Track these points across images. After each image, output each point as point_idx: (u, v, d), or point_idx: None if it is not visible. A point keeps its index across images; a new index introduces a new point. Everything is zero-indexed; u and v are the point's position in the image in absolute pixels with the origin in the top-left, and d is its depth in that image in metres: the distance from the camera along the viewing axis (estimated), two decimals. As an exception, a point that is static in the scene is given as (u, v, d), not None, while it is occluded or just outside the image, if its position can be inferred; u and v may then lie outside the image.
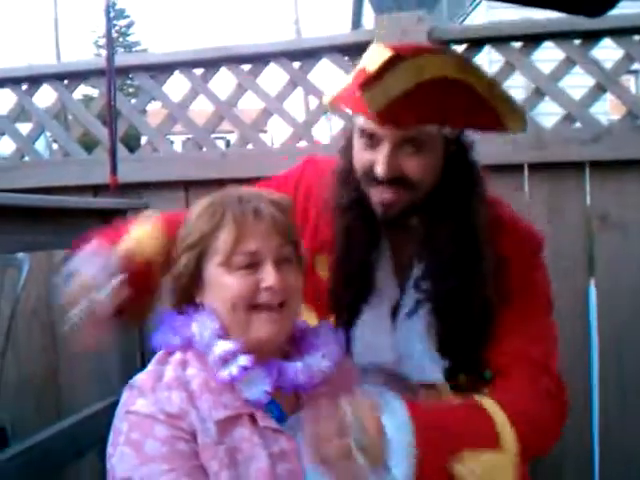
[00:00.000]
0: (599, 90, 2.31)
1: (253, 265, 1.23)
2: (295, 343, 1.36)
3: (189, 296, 1.31)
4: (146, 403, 1.19)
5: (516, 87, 2.37)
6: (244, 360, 1.20)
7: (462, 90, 1.29)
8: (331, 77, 2.57)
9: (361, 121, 1.37)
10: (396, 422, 1.13)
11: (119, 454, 1.18)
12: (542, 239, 1.50)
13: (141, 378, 1.25)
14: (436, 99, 1.28)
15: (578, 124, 2.32)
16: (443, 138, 1.37)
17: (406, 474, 1.11)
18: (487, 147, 2.25)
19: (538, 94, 2.35)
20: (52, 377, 2.80)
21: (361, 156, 1.39)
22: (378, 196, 1.37)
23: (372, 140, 1.35)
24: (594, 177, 2.28)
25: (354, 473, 1.06)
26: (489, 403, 1.27)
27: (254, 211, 1.24)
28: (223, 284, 1.24)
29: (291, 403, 1.29)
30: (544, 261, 1.49)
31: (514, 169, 2.32)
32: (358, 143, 1.39)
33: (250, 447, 1.18)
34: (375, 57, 1.31)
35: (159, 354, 1.30)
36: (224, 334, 1.25)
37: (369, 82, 1.28)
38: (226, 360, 1.21)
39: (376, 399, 1.16)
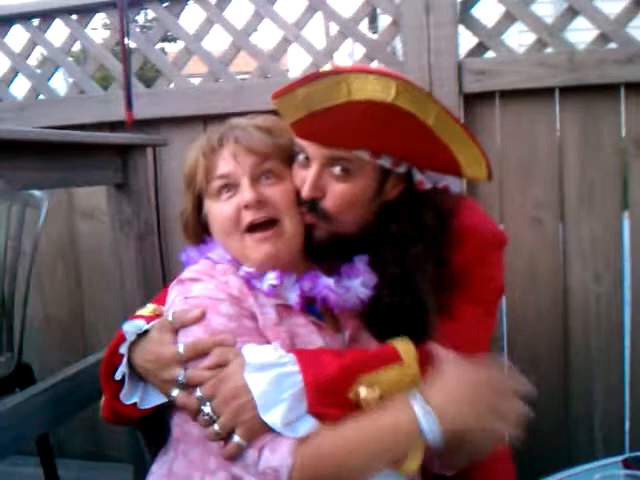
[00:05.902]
0: (637, 6, 2.18)
1: (232, 187, 1.28)
2: (339, 270, 1.36)
3: (200, 230, 1.39)
4: (205, 287, 1.24)
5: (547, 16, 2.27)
6: (272, 278, 1.25)
7: (403, 120, 1.17)
8: (352, 1, 2.46)
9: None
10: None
11: (182, 331, 1.21)
12: (503, 238, 1.47)
13: (193, 270, 1.30)
14: (367, 123, 1.19)
15: (613, 44, 2.20)
16: (379, 169, 1.28)
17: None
18: (514, 69, 2.19)
19: (570, 12, 2.22)
20: (76, 315, 2.83)
21: (296, 175, 1.32)
22: (304, 218, 1.32)
23: (306, 159, 1.29)
24: (629, 100, 2.17)
25: None
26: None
27: (219, 140, 1.31)
28: (213, 213, 1.32)
29: (332, 323, 1.34)
30: (500, 259, 1.47)
31: (544, 93, 2.22)
32: (295, 162, 1.33)
33: (307, 333, 1.26)
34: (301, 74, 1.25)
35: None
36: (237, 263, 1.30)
37: (279, 93, 1.23)
38: (254, 277, 1.26)
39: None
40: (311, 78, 1.17)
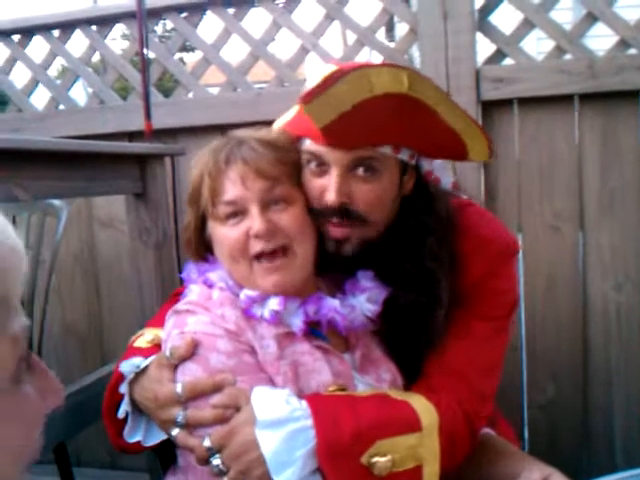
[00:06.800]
0: (656, 12, 2.16)
1: (240, 213, 1.20)
2: (342, 287, 1.31)
3: (203, 249, 1.31)
4: (201, 321, 1.18)
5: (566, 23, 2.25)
6: (274, 304, 1.18)
7: (418, 109, 1.15)
8: (369, 9, 2.45)
9: (307, 144, 1.24)
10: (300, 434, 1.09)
11: (180, 370, 1.17)
12: (515, 247, 1.42)
13: (189, 301, 1.24)
14: (389, 117, 1.16)
15: (633, 50, 2.18)
16: (399, 164, 1.25)
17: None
18: (532, 76, 2.17)
19: (590, 18, 2.20)
20: (95, 323, 2.84)
21: (311, 185, 1.25)
22: (330, 232, 1.24)
23: (321, 166, 1.22)
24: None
25: None
26: (398, 393, 1.25)
27: (225, 159, 1.21)
28: (219, 237, 1.24)
29: (340, 343, 1.28)
30: (513, 269, 1.43)
31: (563, 100, 2.20)
32: (307, 171, 1.25)
33: (312, 361, 1.19)
34: (319, 74, 1.18)
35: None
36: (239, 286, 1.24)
37: (310, 95, 1.13)
38: (255, 301, 1.20)
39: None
40: (338, 76, 1.11)
